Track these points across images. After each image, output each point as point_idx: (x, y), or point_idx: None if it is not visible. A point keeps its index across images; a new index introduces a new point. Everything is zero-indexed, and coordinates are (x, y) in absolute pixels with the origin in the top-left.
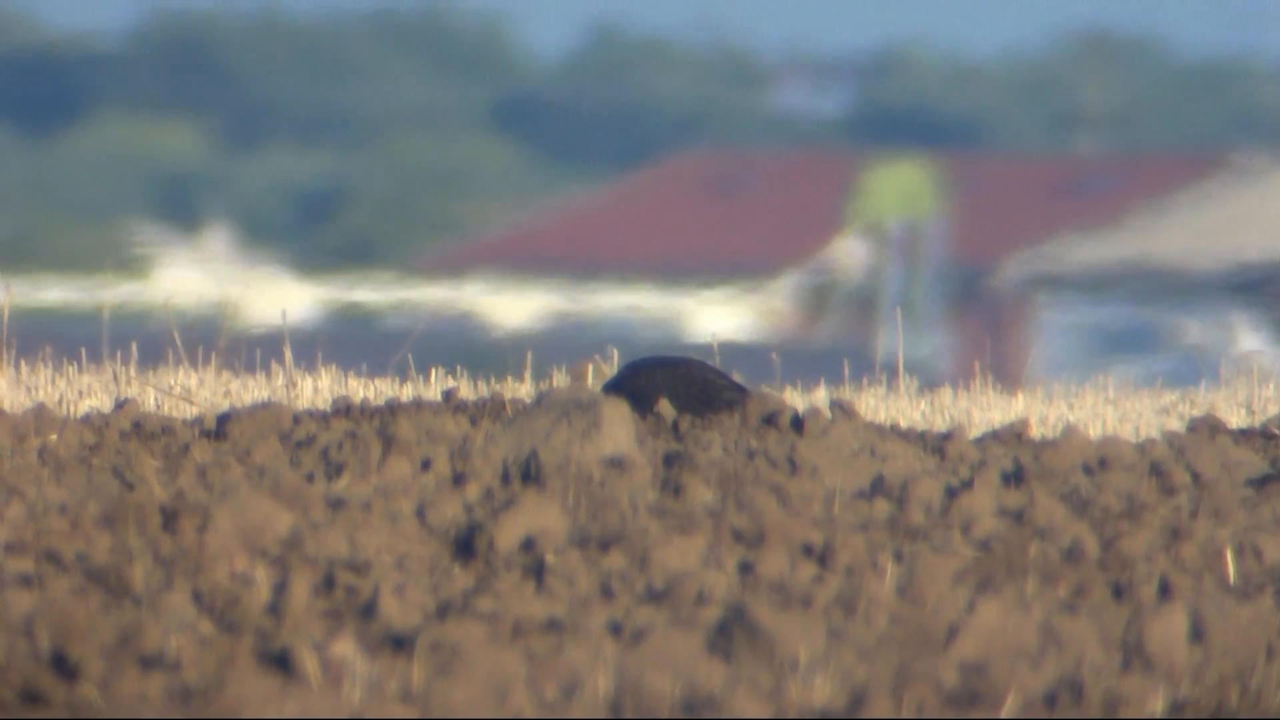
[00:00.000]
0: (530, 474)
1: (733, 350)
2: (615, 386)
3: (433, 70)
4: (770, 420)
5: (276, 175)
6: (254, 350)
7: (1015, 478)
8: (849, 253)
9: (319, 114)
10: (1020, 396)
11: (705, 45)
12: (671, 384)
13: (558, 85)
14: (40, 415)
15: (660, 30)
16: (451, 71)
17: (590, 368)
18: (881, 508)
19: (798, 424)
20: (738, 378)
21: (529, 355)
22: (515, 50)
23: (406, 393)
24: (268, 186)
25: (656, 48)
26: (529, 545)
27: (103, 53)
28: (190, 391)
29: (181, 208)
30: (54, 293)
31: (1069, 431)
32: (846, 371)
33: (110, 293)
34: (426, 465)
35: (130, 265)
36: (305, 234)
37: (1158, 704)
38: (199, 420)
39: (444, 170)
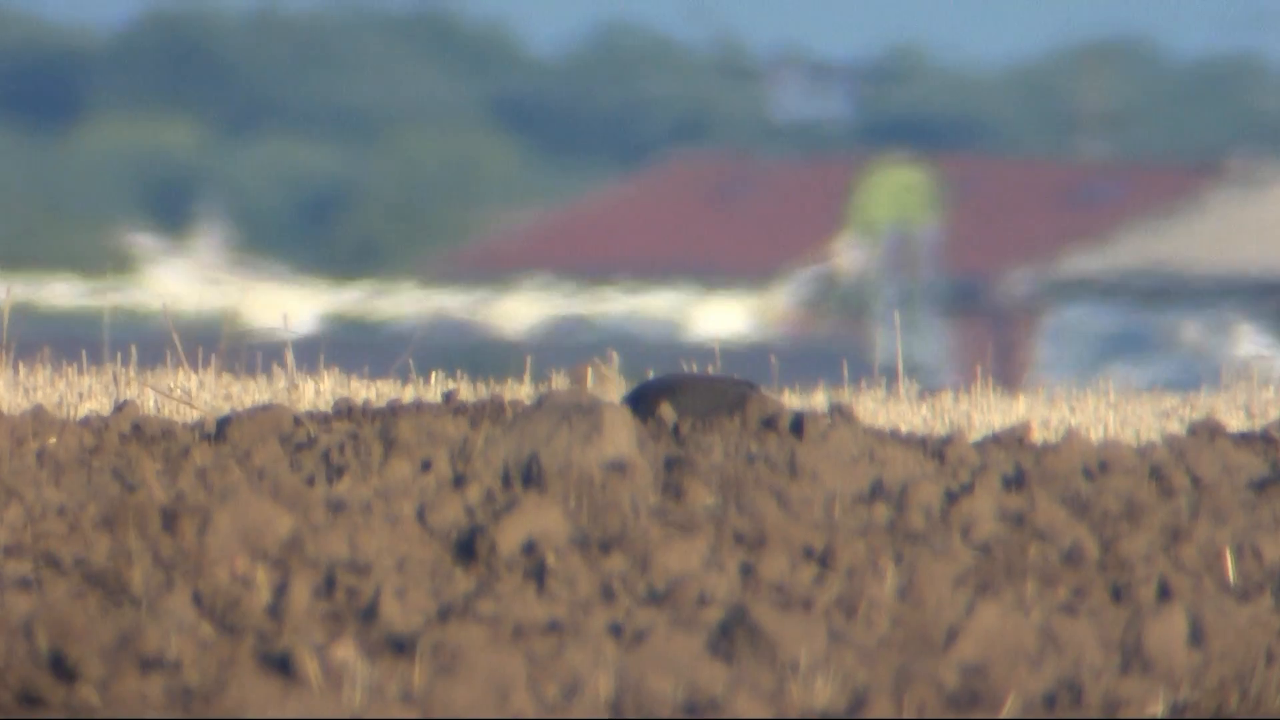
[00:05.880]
0: (531, 477)
1: (732, 352)
2: (650, 401)
3: (434, 67)
4: (770, 424)
5: (277, 173)
6: (254, 353)
7: (1016, 481)
8: (845, 256)
9: (319, 111)
10: (1021, 400)
11: (706, 47)
12: (715, 405)
13: (560, 83)
14: (39, 417)
15: (662, 30)
16: (453, 68)
17: (590, 370)
18: (881, 511)
19: (797, 428)
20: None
21: (528, 358)
22: (518, 47)
23: (408, 394)
24: (268, 185)
25: (659, 48)
26: (530, 548)
27: (100, 50)
28: (190, 394)
29: (181, 206)
30: (53, 294)
31: (1070, 435)
32: (846, 375)
33: (110, 294)
34: (427, 467)
35: (129, 266)
36: (306, 232)
37: (1157, 706)
38: (199, 423)
39: (446, 167)
